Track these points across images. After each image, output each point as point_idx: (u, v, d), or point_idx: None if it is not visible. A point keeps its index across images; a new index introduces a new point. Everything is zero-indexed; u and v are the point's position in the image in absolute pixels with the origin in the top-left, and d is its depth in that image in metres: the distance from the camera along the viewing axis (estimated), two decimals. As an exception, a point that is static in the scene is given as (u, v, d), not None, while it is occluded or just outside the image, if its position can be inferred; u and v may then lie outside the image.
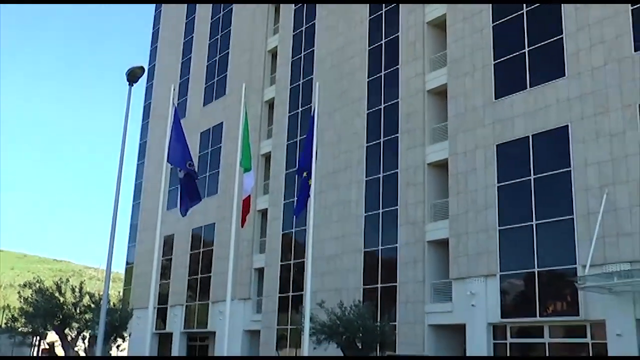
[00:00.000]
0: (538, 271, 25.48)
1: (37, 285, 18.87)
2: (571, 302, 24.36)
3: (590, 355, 23.84)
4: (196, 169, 23.09)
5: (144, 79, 37.95)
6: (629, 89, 24.16)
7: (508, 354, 26.50)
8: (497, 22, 29.19)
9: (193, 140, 48.29)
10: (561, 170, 25.52)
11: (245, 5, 47.36)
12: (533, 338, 25.95)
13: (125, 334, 19.69)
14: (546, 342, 25.44)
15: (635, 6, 24.50)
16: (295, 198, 21.06)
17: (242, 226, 20.75)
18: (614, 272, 21.98)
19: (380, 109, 34.24)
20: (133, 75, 18.52)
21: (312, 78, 38.80)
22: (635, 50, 24.22)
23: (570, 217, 24.80)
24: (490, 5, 29.49)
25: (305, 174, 20.68)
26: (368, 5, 36.41)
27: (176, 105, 20.04)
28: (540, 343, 25.62)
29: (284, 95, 41.64)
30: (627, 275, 21.58)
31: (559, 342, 25.29)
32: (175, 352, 45.18)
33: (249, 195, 20.65)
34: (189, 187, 20.88)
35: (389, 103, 33.75)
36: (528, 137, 26.94)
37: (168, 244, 48.24)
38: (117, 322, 19.21)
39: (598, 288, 22.69)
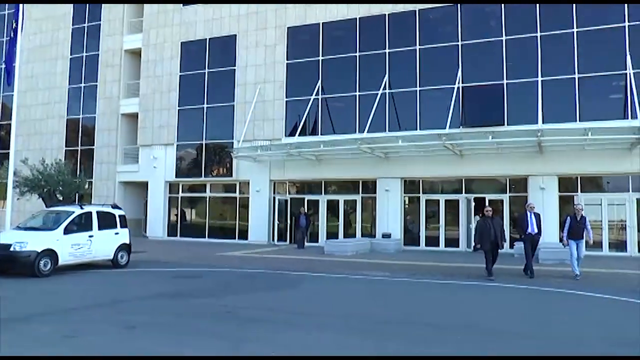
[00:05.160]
0: (206, 143, 24.71)
1: None
2: (228, 167, 24.20)
3: (237, 204, 24.57)
4: None
5: None
6: (280, 14, 23.93)
7: (179, 206, 25.99)
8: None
9: None
10: (228, 68, 24.49)
11: None
12: (199, 193, 25.37)
13: None
14: (207, 196, 25.15)
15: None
16: (4, 66, 17.20)
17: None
18: (258, 146, 22.12)
19: (86, -3, 29.08)
20: None
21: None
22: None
23: (232, 104, 24.17)
24: None
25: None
26: None
27: None
28: (203, 197, 25.36)
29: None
30: (267, 149, 21.78)
31: (217, 196, 25.12)
32: None
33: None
34: None
35: (94, -7, 28.86)
36: (206, 39, 25.24)
37: None
38: None
39: (247, 157, 22.69)
